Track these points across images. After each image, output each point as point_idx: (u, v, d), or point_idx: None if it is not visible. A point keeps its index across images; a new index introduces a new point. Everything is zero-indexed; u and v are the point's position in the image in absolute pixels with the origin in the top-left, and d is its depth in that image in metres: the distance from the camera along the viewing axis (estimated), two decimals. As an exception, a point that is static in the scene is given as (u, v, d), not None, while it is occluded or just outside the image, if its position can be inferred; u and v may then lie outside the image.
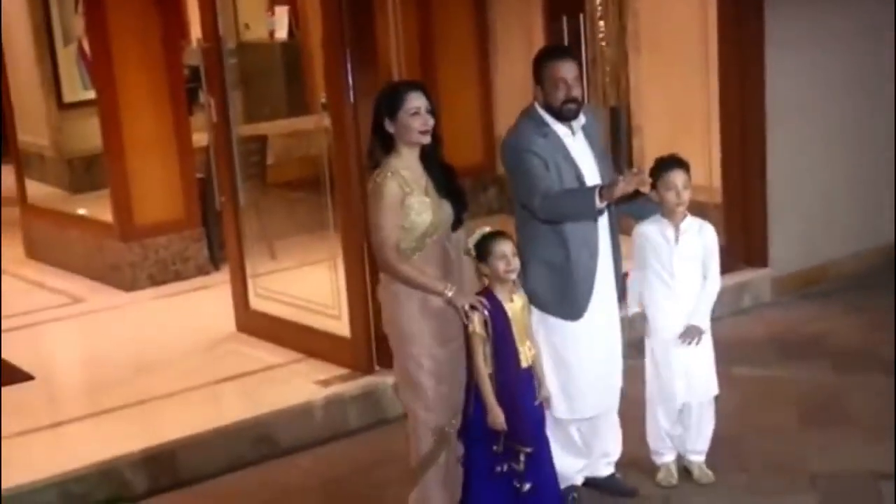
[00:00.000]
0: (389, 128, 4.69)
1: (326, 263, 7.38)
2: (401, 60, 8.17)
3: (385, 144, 4.71)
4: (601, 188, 4.78)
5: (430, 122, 4.63)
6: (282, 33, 12.34)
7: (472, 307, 4.65)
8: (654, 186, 5.19)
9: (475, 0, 10.39)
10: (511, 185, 5.11)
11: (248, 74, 10.45)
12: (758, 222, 8.52)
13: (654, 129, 9.24)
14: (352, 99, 6.56)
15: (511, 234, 4.99)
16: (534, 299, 5.07)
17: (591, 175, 5.10)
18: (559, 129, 5.04)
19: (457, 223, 4.83)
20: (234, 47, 7.91)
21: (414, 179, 4.67)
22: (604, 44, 8.84)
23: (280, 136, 11.06)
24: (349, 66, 6.51)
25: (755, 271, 8.58)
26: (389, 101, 4.71)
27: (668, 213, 5.21)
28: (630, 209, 5.33)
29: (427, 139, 4.65)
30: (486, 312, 4.68)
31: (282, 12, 12.30)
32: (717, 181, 8.53)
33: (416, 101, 4.65)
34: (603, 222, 5.10)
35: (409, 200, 4.62)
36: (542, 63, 5.04)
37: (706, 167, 8.48)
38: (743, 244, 8.60)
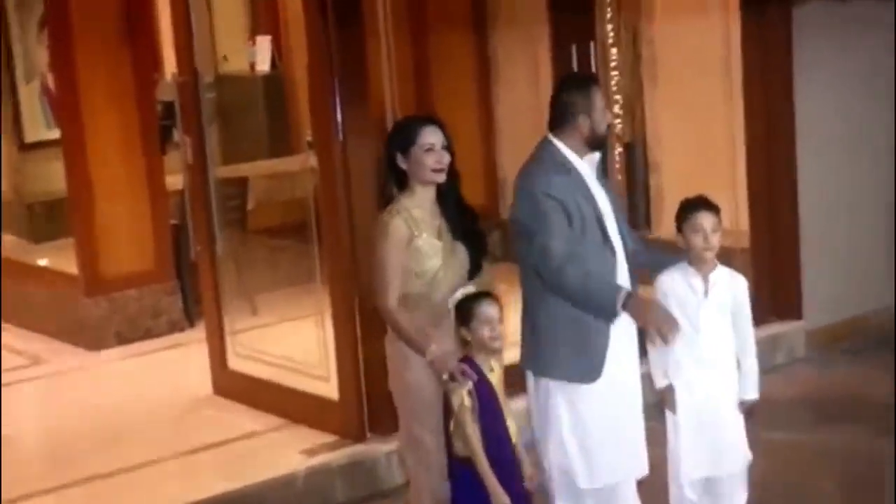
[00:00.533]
0: (402, 164, 4.67)
1: (313, 319, 7.24)
2: (394, 93, 7.82)
3: (399, 181, 4.69)
4: (627, 294, 4.68)
5: (446, 159, 4.61)
6: (264, 65, 12.05)
7: (453, 376, 4.53)
8: (679, 230, 5.00)
9: (475, 28, 10.23)
10: (517, 232, 4.90)
11: (227, 110, 10.18)
12: (789, 268, 8.33)
13: (674, 166, 9.14)
14: (340, 136, 6.39)
15: (514, 284, 4.98)
16: (544, 361, 4.97)
17: (609, 217, 4.98)
18: (581, 165, 4.90)
19: (474, 270, 4.76)
20: (211, 81, 7.79)
21: (425, 220, 4.63)
22: (616, 73, 8.62)
23: (262, 178, 10.88)
24: (337, 99, 6.37)
25: (787, 324, 8.38)
26: (402, 136, 4.70)
27: (695, 259, 4.99)
28: (647, 260, 5.16)
29: (441, 178, 4.62)
30: (470, 382, 4.57)
31: (264, 42, 12.02)
32: (743, 223, 8.29)
33: (431, 136, 4.63)
34: (620, 265, 4.92)
35: (417, 242, 4.58)
36: (582, 90, 4.98)
37: (731, 208, 8.20)
38: (773, 293, 8.36)
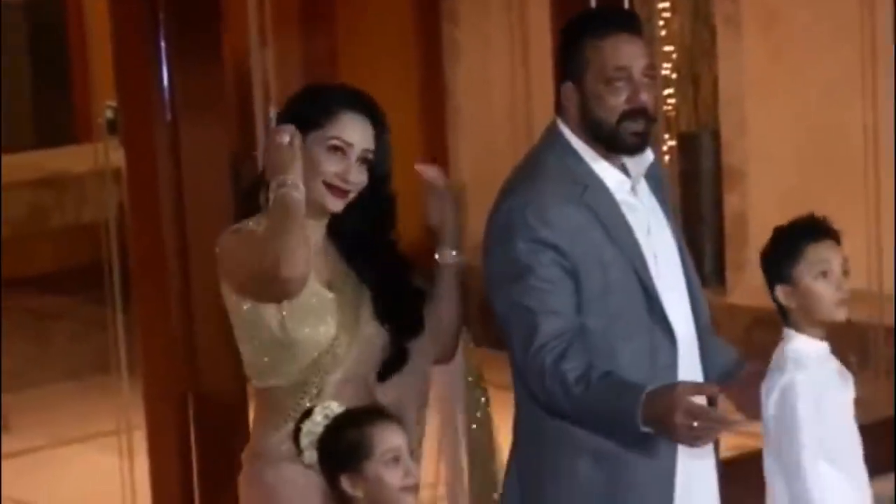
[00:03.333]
0: None
1: (109, 441, 6.34)
2: (267, 41, 6.51)
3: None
4: (653, 393, 3.79)
5: (358, 177, 3.90)
6: None
7: None
8: (775, 279, 4.08)
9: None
10: (493, 297, 4.03)
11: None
12: None
13: (769, 175, 7.74)
14: (168, 114, 5.48)
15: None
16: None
17: (672, 273, 4.04)
18: (610, 175, 3.99)
19: (396, 360, 3.97)
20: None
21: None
22: (667, 13, 7.48)
23: (18, 187, 9.40)
24: (164, 50, 5.44)
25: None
26: (305, 111, 3.99)
27: (819, 326, 4.18)
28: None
29: (336, 206, 3.93)
30: None
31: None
32: (888, 281, 6.89)
33: (347, 129, 3.92)
34: (685, 355, 4.02)
35: None
36: (580, 38, 4.00)
37: (866, 252, 6.83)
38: None
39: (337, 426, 3.88)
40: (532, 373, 3.97)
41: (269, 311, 3.94)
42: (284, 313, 3.93)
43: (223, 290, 3.98)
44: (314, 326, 3.96)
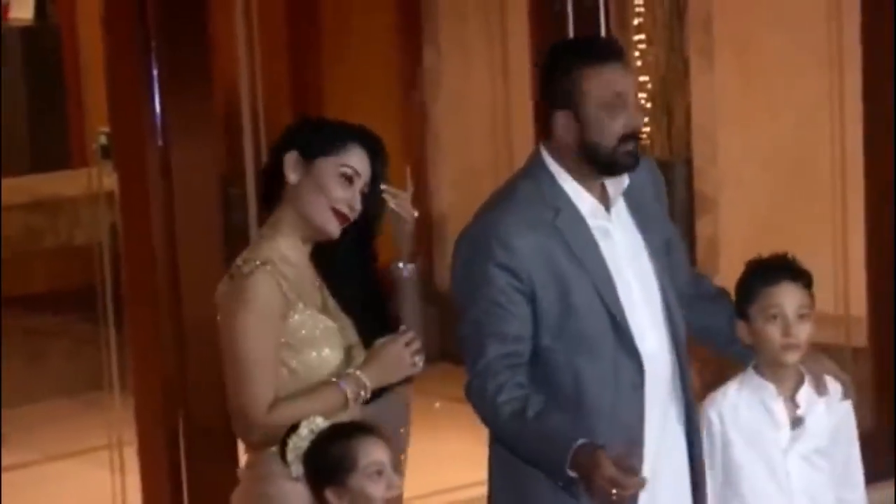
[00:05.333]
0: (290, 169, 4.03)
1: (100, 456, 6.28)
2: (256, 71, 6.47)
3: (270, 201, 4.12)
4: (580, 449, 3.87)
5: (358, 206, 4.04)
6: (23, 10, 10.64)
7: None
8: (742, 314, 4.26)
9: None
10: (458, 316, 4.16)
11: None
12: None
13: (740, 201, 7.76)
14: (160, 139, 5.59)
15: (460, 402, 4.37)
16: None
17: (645, 297, 4.10)
18: (584, 200, 4.08)
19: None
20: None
21: (301, 283, 4.06)
22: (642, 43, 7.51)
23: (13, 210, 9.26)
24: (156, 77, 5.57)
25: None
26: (316, 135, 4.10)
27: (770, 364, 4.31)
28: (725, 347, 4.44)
29: (336, 231, 4.03)
30: None
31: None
32: (857, 305, 6.96)
33: (355, 160, 4.03)
34: (660, 379, 4.11)
35: (298, 318, 3.97)
36: (575, 67, 4.09)
37: (836, 278, 6.97)
38: None
39: (322, 441, 3.93)
40: (474, 394, 4.08)
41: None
42: (291, 344, 4.01)
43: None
44: (323, 350, 4.03)
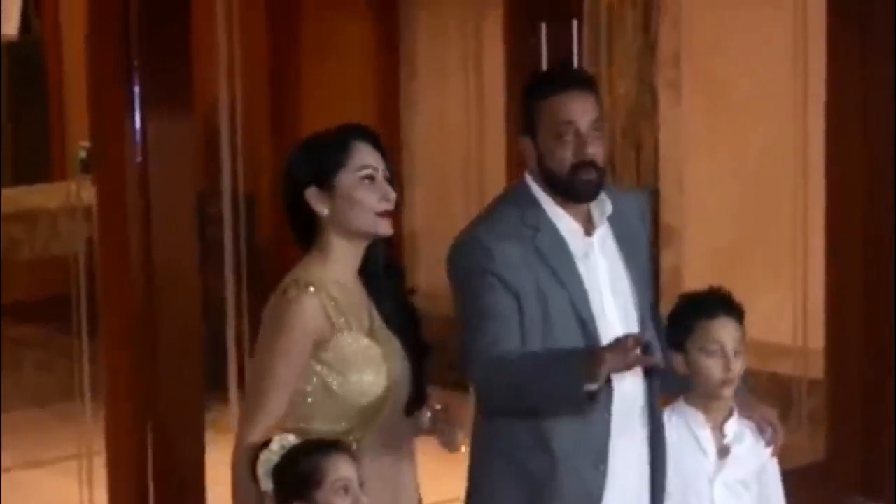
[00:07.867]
0: (318, 204, 3.98)
1: (70, 465, 6.38)
2: (235, 89, 6.78)
3: (305, 236, 4.05)
4: (596, 352, 4.01)
5: (393, 195, 4.03)
6: (9, 26, 10.61)
7: None
8: (677, 346, 4.35)
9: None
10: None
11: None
12: (890, 415, 6.93)
13: (704, 233, 7.93)
14: (139, 155, 5.61)
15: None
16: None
17: (623, 319, 4.22)
18: (565, 222, 4.20)
19: (421, 394, 4.07)
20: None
21: (351, 304, 4.01)
22: (614, 78, 7.51)
23: None
24: (136, 91, 5.60)
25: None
26: (322, 155, 4.04)
27: (703, 396, 4.41)
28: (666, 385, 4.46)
29: (389, 228, 4.00)
30: None
31: (8, -9, 11.13)
32: (814, 337, 7.00)
33: (367, 156, 4.01)
34: (626, 402, 4.22)
35: (342, 341, 3.94)
36: (534, 97, 4.28)
37: (796, 311, 7.05)
38: (864, 457, 6.88)
39: (290, 456, 3.99)
40: (471, 367, 4.13)
41: (318, 367, 4.02)
42: (333, 364, 4.02)
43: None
44: (368, 377, 4.04)
